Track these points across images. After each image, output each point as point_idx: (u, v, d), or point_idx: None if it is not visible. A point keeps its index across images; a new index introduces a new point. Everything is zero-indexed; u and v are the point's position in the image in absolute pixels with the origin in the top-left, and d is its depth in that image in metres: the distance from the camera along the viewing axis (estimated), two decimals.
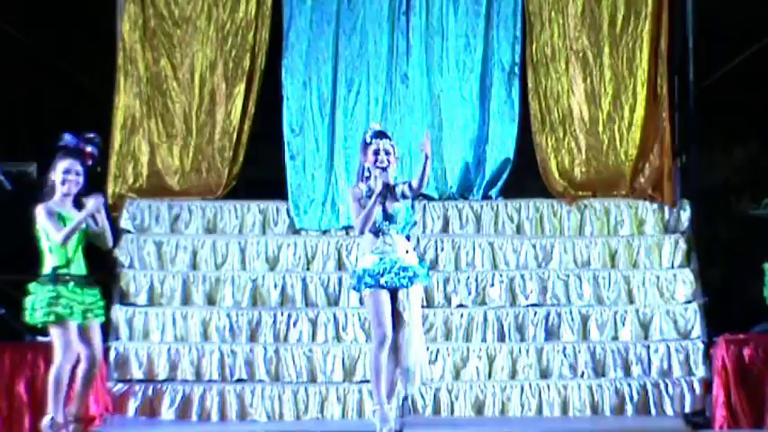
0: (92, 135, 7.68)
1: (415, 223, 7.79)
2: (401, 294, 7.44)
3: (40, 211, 7.44)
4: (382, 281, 7.38)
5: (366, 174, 7.52)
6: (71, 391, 7.53)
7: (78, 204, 7.51)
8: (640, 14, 10.38)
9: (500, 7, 10.47)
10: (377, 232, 7.44)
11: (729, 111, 10.55)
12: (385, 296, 7.40)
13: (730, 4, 10.40)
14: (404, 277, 7.41)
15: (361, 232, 7.46)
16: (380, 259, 7.41)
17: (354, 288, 7.58)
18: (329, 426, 8.88)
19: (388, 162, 7.48)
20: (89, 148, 7.55)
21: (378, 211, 7.41)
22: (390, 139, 7.57)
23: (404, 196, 7.53)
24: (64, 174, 7.44)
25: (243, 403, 9.05)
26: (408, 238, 7.58)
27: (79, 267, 7.49)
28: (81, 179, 7.49)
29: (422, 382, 7.73)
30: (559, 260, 9.97)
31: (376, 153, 7.48)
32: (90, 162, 7.58)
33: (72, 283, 7.43)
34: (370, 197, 7.42)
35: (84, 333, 7.48)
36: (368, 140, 7.53)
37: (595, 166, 10.38)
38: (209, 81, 10.46)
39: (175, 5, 10.48)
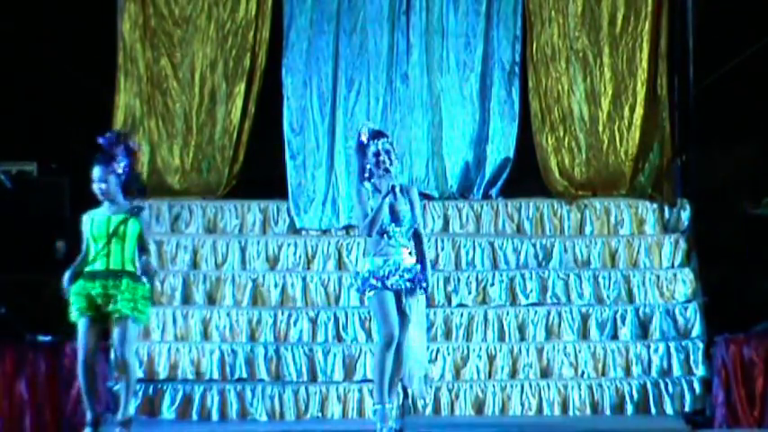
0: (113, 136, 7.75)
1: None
2: (404, 296, 7.43)
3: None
4: (388, 283, 7.37)
5: (367, 174, 7.49)
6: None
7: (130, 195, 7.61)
8: (640, 14, 10.40)
9: (500, 7, 10.48)
10: (382, 233, 7.43)
11: (729, 111, 10.54)
12: (390, 296, 7.40)
13: (730, 4, 10.39)
14: (408, 279, 7.41)
15: (369, 235, 7.44)
16: (384, 261, 7.40)
17: (357, 290, 7.57)
18: (329, 425, 8.88)
19: (391, 162, 7.46)
20: (117, 150, 7.61)
21: (384, 212, 7.40)
22: (388, 138, 7.55)
23: (410, 200, 7.52)
24: (92, 183, 7.55)
25: (243, 403, 9.05)
26: (409, 239, 7.57)
27: (105, 263, 7.50)
28: (105, 185, 7.54)
29: (428, 384, 7.74)
30: (559, 259, 9.97)
31: (377, 154, 7.45)
32: (122, 163, 7.62)
33: (89, 277, 7.47)
34: (376, 196, 7.40)
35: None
36: (365, 141, 7.51)
37: (595, 165, 10.39)
38: (210, 80, 10.46)
39: (176, 5, 10.48)
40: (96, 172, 7.55)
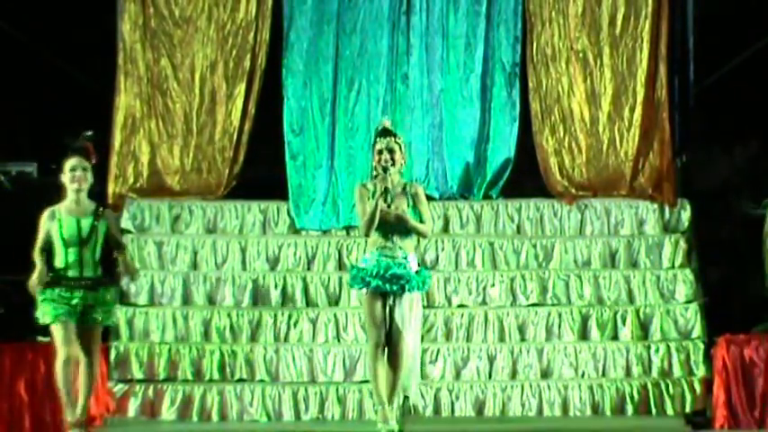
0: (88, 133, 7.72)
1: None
2: (392, 300, 7.39)
3: (42, 216, 7.52)
4: (373, 284, 7.36)
5: (375, 172, 7.49)
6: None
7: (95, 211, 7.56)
8: (640, 14, 10.39)
9: (500, 7, 10.47)
10: (378, 232, 7.41)
11: (729, 111, 10.55)
12: (378, 300, 7.39)
13: (730, 5, 10.40)
14: (395, 284, 7.36)
15: (367, 234, 7.43)
16: (377, 261, 7.38)
17: (349, 284, 7.60)
18: (329, 426, 8.88)
19: (392, 161, 7.42)
20: (90, 148, 7.60)
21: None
22: (396, 137, 7.53)
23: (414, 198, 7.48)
24: (71, 171, 7.49)
25: (243, 403, 9.06)
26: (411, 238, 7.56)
27: (78, 271, 7.49)
28: (89, 175, 7.53)
29: (417, 388, 7.71)
30: (560, 260, 9.97)
31: (380, 152, 7.45)
32: (93, 159, 7.63)
33: (67, 286, 7.47)
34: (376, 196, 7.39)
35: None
36: (375, 139, 7.51)
37: (596, 165, 10.39)
38: (210, 81, 10.46)
39: (176, 5, 10.47)
40: (76, 161, 7.51)
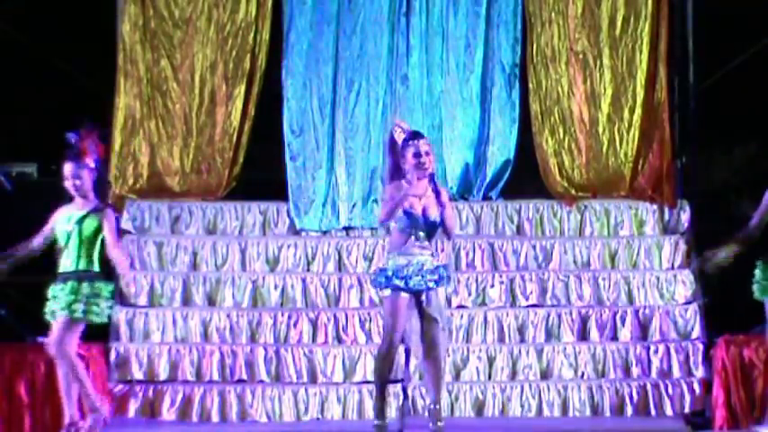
0: (86, 129, 7.71)
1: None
2: (425, 296, 7.39)
3: None
4: (411, 283, 7.31)
5: (408, 175, 7.36)
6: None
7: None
8: (640, 15, 10.40)
9: (500, 8, 10.48)
10: (410, 233, 7.39)
11: (729, 111, 10.55)
12: (404, 302, 7.36)
13: (730, 5, 10.40)
14: (431, 280, 7.36)
15: (381, 222, 7.43)
16: (408, 261, 7.35)
17: (379, 284, 7.42)
18: (330, 426, 8.88)
19: (431, 162, 7.36)
20: (87, 145, 7.59)
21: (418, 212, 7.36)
22: (425, 137, 7.47)
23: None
24: (65, 180, 7.55)
25: (243, 404, 9.05)
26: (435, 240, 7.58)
27: (68, 265, 7.54)
28: (80, 182, 7.54)
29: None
30: (559, 261, 9.97)
31: (417, 156, 7.34)
32: (93, 156, 7.61)
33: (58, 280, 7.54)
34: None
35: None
36: (404, 140, 7.38)
37: (595, 166, 10.40)
38: (210, 82, 10.47)
39: (176, 6, 10.49)
40: (69, 168, 7.55)
